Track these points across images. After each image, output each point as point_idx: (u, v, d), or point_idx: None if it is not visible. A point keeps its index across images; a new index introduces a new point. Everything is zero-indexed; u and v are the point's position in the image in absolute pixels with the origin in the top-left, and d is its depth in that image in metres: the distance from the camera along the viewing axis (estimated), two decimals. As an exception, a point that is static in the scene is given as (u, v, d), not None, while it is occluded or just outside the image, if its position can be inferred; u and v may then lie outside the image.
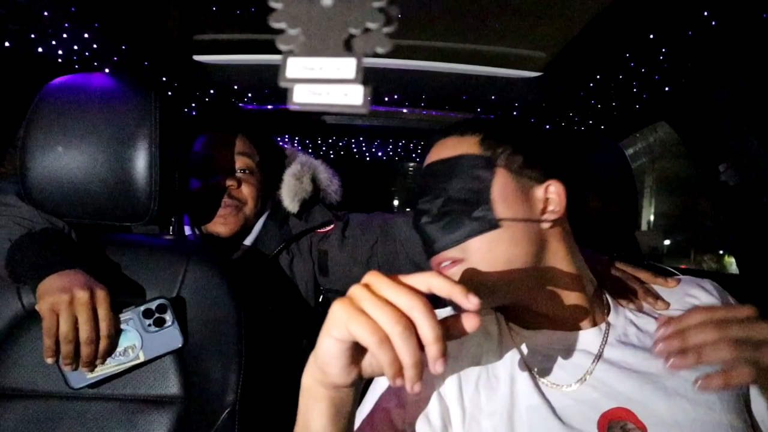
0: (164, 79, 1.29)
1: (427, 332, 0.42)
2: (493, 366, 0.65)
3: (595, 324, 0.67)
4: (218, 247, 1.01)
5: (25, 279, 0.77)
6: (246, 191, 1.11)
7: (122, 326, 0.78)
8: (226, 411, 0.81)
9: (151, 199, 0.81)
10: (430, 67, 1.22)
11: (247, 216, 1.12)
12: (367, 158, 2.10)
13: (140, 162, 0.79)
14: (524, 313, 0.68)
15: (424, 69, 1.22)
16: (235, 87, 1.35)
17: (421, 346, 0.43)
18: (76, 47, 1.06)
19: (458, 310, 0.47)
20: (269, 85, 1.33)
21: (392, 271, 0.74)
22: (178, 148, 1.03)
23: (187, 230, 1.11)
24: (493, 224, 0.62)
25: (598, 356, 0.64)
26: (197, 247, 0.93)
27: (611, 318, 0.68)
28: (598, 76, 1.17)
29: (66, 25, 0.97)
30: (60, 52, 1.08)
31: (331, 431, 0.51)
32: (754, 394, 0.62)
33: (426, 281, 0.45)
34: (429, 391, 0.63)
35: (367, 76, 0.31)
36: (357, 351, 0.46)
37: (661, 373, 0.60)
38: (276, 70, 0.32)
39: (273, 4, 0.32)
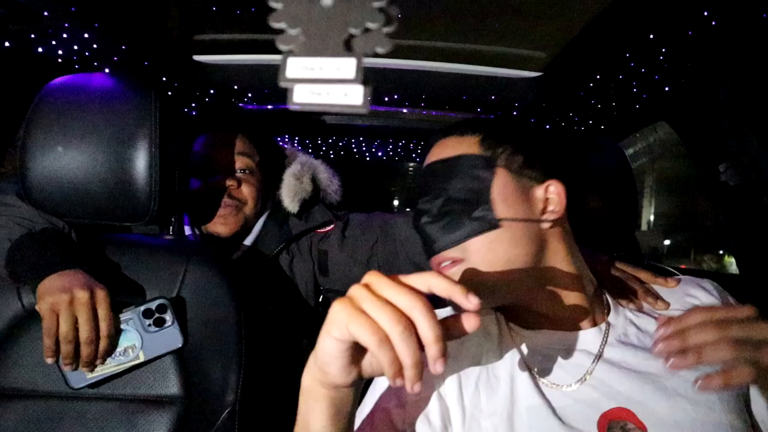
0: (164, 79, 1.29)
1: (427, 332, 0.42)
2: (493, 366, 0.65)
3: (595, 324, 0.67)
4: (218, 247, 1.01)
5: (25, 279, 0.77)
6: (246, 191, 1.11)
7: (122, 326, 0.78)
8: (226, 411, 0.81)
9: (151, 199, 0.81)
10: (430, 67, 1.22)
11: (247, 216, 1.12)
12: (367, 158, 2.09)
13: (140, 162, 0.79)
14: (524, 313, 0.68)
15: (424, 69, 1.22)
16: (235, 87, 1.35)
17: (421, 346, 0.43)
18: (76, 47, 1.06)
19: (458, 310, 0.47)
20: (269, 85, 1.33)
21: (392, 271, 0.75)
22: (178, 148, 1.03)
23: (187, 230, 1.11)
24: (493, 224, 0.62)
25: (598, 356, 0.64)
26: (197, 247, 0.93)
27: (611, 318, 0.68)
28: (598, 76, 1.17)
29: (66, 25, 0.97)
30: (60, 52, 1.08)
31: (331, 431, 0.51)
32: (754, 394, 0.62)
33: (426, 281, 0.45)
34: (429, 391, 0.63)
35: (367, 76, 0.31)
36: (357, 351, 0.46)
37: (661, 373, 0.60)
38: (276, 70, 0.32)
39: (273, 4, 0.32)
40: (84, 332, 0.73)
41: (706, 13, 0.84)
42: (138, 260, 0.85)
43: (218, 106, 1.49)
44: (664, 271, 0.82)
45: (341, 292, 0.46)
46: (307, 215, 1.17)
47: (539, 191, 0.66)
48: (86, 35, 1.02)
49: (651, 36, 0.94)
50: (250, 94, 1.41)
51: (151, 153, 0.79)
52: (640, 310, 0.70)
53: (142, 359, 0.79)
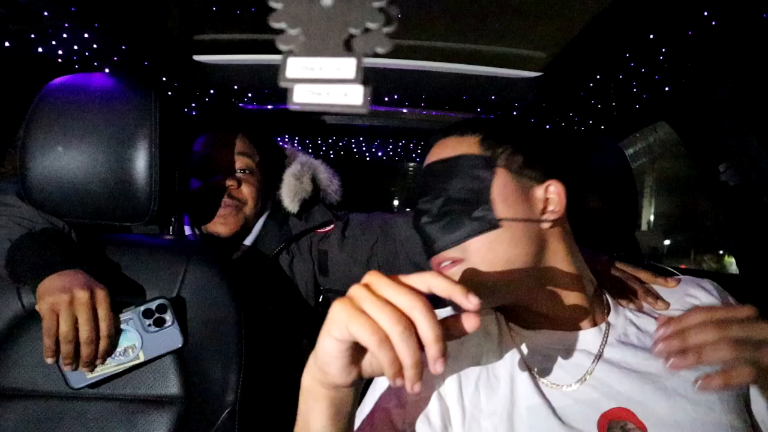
0: (164, 79, 1.29)
1: (427, 332, 0.42)
2: (493, 366, 0.65)
3: (595, 324, 0.67)
4: (218, 247, 1.01)
5: (25, 279, 0.77)
6: (246, 191, 1.11)
7: (122, 326, 0.78)
8: (226, 411, 0.81)
9: (151, 199, 0.81)
10: (430, 67, 1.22)
11: (247, 216, 1.12)
12: (367, 158, 2.09)
13: (140, 162, 0.79)
14: (524, 313, 0.68)
15: (424, 69, 1.22)
16: (235, 87, 1.35)
17: (421, 346, 0.43)
18: (76, 47, 1.06)
19: (458, 310, 0.47)
20: (269, 85, 1.33)
21: (392, 271, 0.75)
22: (178, 148, 1.03)
23: (187, 230, 1.11)
24: (493, 224, 0.62)
25: (598, 356, 0.64)
26: (197, 247, 0.93)
27: (611, 318, 0.68)
28: (598, 76, 1.17)
29: (66, 25, 0.97)
30: (60, 52, 1.08)
31: (331, 431, 0.51)
32: (754, 394, 0.62)
33: (426, 281, 0.45)
34: (429, 391, 0.63)
35: (367, 76, 0.31)
36: (357, 351, 0.46)
37: (661, 373, 0.60)
38: (276, 70, 0.32)
39: (273, 4, 0.32)
40: (84, 332, 0.73)
41: (706, 13, 0.84)
42: (138, 260, 0.85)
43: (218, 106, 1.49)
44: (664, 271, 0.82)
45: (341, 292, 0.46)
46: (307, 215, 1.17)
47: (539, 191, 0.66)
48: (86, 35, 1.02)
49: (651, 36, 0.94)
50: (250, 94, 1.41)
51: (151, 153, 0.79)
52: (640, 310, 0.70)
53: (142, 359, 0.79)
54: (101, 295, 0.74)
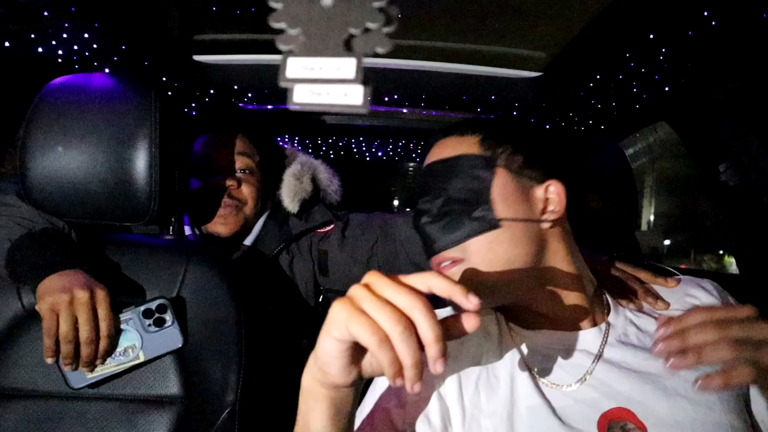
0: (164, 79, 1.29)
1: (427, 332, 0.42)
2: (493, 366, 0.65)
3: (595, 324, 0.67)
4: (218, 247, 1.01)
5: (25, 279, 0.77)
6: (246, 191, 1.11)
7: (122, 326, 0.78)
8: (226, 411, 0.81)
9: (151, 199, 0.81)
10: (430, 67, 1.22)
11: (247, 216, 1.12)
12: (367, 158, 2.10)
13: (140, 162, 0.79)
14: (524, 313, 0.68)
15: (424, 69, 1.22)
16: (235, 87, 1.35)
17: (421, 346, 0.43)
18: (76, 47, 1.06)
19: (458, 310, 0.47)
20: (269, 85, 1.33)
21: (392, 271, 0.75)
22: (178, 148, 1.03)
23: (187, 230, 1.11)
24: (493, 224, 0.62)
25: (598, 356, 0.64)
26: (197, 247, 0.93)
27: (611, 318, 0.68)
28: (598, 76, 1.17)
29: (66, 25, 0.97)
30: (60, 52, 1.08)
31: (331, 431, 0.51)
32: (754, 394, 0.62)
33: (426, 281, 0.45)
34: (429, 391, 0.63)
35: (367, 76, 0.31)
36: (357, 351, 0.46)
37: (661, 373, 0.60)
38: (276, 70, 0.32)
39: (273, 4, 0.32)
40: (84, 332, 0.73)
41: (706, 13, 0.84)
42: (138, 260, 0.85)
43: (218, 106, 1.49)
44: (664, 271, 0.82)
45: (341, 292, 0.46)
46: (307, 215, 1.17)
47: (539, 191, 0.66)
48: (86, 35, 1.02)
49: (651, 36, 0.94)
50: (250, 94, 1.41)
51: (151, 153, 0.79)
52: (640, 310, 0.70)
53: (142, 359, 0.79)
54: (101, 295, 0.74)
